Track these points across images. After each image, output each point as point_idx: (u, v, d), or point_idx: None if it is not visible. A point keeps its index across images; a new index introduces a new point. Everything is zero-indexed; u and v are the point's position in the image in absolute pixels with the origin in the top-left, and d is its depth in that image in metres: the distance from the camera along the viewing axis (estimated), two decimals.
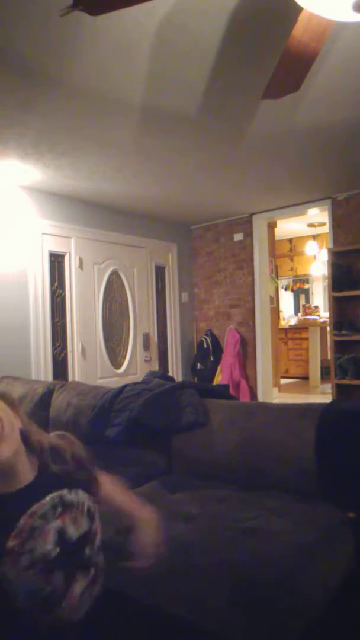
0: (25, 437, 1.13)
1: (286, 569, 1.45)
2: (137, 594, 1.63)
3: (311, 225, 7.65)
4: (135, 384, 2.74)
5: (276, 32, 2.15)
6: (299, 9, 1.64)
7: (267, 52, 2.31)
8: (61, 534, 1.06)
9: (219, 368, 5.63)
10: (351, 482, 1.86)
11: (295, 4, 1.53)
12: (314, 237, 8.25)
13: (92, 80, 2.54)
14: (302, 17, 1.70)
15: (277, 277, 7.15)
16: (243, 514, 1.79)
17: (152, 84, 2.60)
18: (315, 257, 8.23)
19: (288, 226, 7.52)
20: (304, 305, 9.01)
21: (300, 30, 1.75)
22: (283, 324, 8.43)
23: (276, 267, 7.08)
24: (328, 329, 5.11)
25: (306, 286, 9.29)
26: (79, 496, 1.14)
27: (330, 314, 4.83)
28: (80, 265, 4.72)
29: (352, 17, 1.50)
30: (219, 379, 5.56)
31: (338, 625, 1.67)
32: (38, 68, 2.40)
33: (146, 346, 5.38)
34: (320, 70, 2.50)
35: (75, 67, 2.41)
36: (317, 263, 8.18)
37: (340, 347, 4.73)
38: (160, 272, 5.67)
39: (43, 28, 2.10)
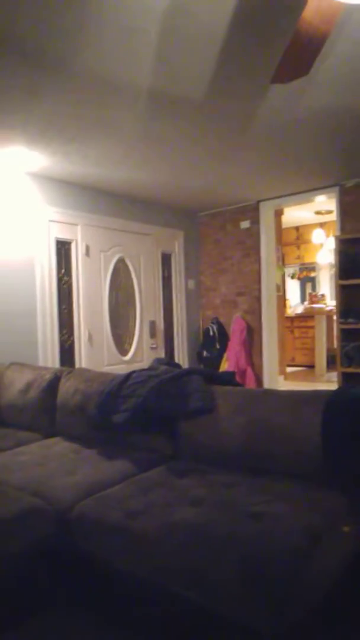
0: None
1: (290, 551, 1.47)
2: (144, 574, 1.66)
3: (318, 212, 7.60)
4: (142, 370, 2.76)
5: (285, 15, 2.12)
6: None
7: (276, 36, 2.28)
8: None
9: (225, 356, 5.64)
10: (357, 468, 1.88)
11: None
12: (321, 225, 8.20)
13: (99, 66, 2.52)
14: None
15: (283, 265, 7.12)
16: (250, 498, 1.81)
17: (159, 69, 2.57)
18: (322, 245, 8.18)
19: (295, 214, 7.48)
20: (310, 294, 8.97)
21: (310, 13, 1.72)
22: (289, 312, 8.41)
23: (283, 255, 7.05)
24: (334, 317, 5.10)
25: (313, 274, 9.23)
26: None
27: (336, 302, 4.82)
28: (87, 253, 4.72)
29: None
30: (225, 366, 5.57)
31: (340, 609, 1.70)
32: (44, 54, 2.38)
33: (152, 334, 5.39)
34: (330, 54, 2.47)
35: (82, 52, 2.39)
36: (324, 251, 8.14)
37: (346, 335, 4.72)
38: (166, 259, 5.66)
39: (49, 13, 2.08)
